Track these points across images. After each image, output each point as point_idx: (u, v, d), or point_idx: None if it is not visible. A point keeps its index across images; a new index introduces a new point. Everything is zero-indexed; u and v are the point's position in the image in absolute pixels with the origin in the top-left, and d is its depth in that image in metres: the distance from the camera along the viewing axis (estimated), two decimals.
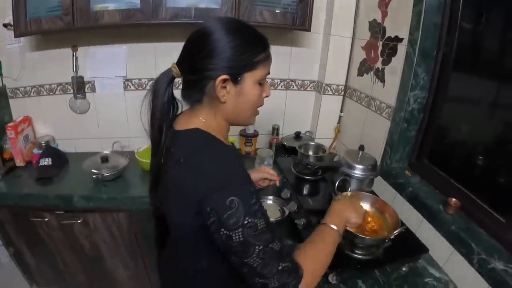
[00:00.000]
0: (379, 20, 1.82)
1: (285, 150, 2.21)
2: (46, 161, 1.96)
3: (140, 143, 2.01)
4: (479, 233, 1.28)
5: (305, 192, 1.70)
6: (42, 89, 2.09)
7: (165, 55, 1.93)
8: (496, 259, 1.14)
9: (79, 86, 2.08)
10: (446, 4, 1.47)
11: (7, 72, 2.03)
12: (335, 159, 1.60)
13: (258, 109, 1.00)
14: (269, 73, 0.95)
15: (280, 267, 0.81)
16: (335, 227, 1.04)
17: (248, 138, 2.24)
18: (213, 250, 0.87)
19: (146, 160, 1.85)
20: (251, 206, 0.79)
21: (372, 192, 1.57)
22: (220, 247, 0.83)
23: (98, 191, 1.81)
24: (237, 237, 0.78)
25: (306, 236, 1.36)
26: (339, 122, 2.34)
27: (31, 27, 1.69)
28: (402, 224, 1.34)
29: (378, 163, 1.76)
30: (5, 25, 1.83)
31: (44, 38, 1.95)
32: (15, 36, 1.75)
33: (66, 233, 1.89)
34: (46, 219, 1.81)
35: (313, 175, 1.75)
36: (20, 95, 2.09)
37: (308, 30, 1.89)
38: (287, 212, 1.59)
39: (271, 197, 1.72)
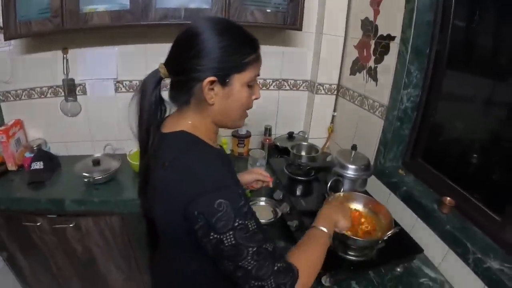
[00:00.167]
0: (371, 18, 1.81)
1: (278, 151, 2.19)
2: (38, 165, 1.94)
3: (132, 145, 1.97)
4: (474, 232, 1.27)
5: (298, 193, 1.69)
6: (33, 92, 2.07)
7: (156, 56, 1.83)
8: (492, 258, 1.14)
9: (70, 89, 2.06)
10: (438, 1, 1.46)
11: None
12: (328, 159, 1.58)
13: (248, 111, 0.99)
14: (258, 75, 0.93)
15: (275, 268, 0.79)
16: (325, 230, 1.02)
17: (241, 139, 2.22)
18: (203, 252, 0.85)
19: (137, 163, 1.78)
20: (240, 208, 0.78)
21: (366, 192, 1.56)
22: (210, 253, 0.81)
23: (90, 194, 1.79)
24: (228, 240, 0.76)
25: (298, 237, 1.34)
26: (332, 121, 2.33)
27: (21, 30, 1.67)
28: (396, 224, 1.33)
29: (372, 163, 1.75)
30: None
31: (34, 41, 1.94)
32: (5, 39, 1.73)
33: (59, 237, 1.87)
34: (38, 223, 1.80)
35: (306, 176, 1.73)
36: (11, 98, 2.07)
37: (300, 29, 1.88)
38: (279, 214, 1.58)
39: (263, 199, 1.71)
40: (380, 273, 1.28)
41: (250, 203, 1.67)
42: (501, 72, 1.31)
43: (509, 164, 1.27)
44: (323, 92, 2.24)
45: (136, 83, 2.11)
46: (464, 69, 1.49)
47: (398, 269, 1.30)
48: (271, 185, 1.40)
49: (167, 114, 1.00)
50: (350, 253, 1.26)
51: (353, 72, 2.05)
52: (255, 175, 1.38)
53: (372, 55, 1.82)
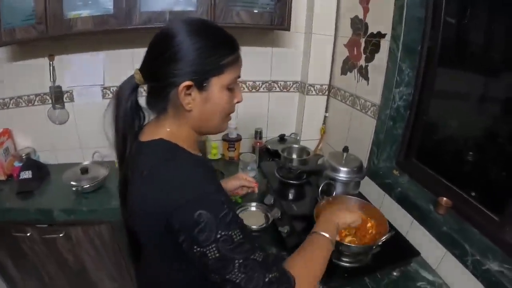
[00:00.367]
0: (361, 16, 1.78)
1: (270, 154, 2.15)
2: (27, 174, 1.92)
3: None
4: (472, 233, 1.25)
5: (290, 197, 1.64)
6: (21, 100, 2.03)
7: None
8: (491, 259, 1.11)
9: (57, 96, 2.04)
10: None
11: None
12: (319, 162, 1.54)
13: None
14: (239, 77, 0.89)
15: (267, 279, 0.75)
16: (325, 234, 0.98)
17: (231, 142, 2.19)
18: (189, 264, 0.81)
19: None
20: (222, 218, 0.73)
21: (359, 194, 1.53)
22: (197, 265, 0.76)
23: (79, 203, 1.77)
24: (212, 253, 0.72)
25: (290, 243, 1.32)
26: (324, 122, 2.30)
27: (5, 38, 1.64)
28: (392, 227, 1.29)
29: (365, 163, 1.73)
30: None
31: (20, 48, 1.91)
32: None
33: (49, 247, 1.85)
34: (28, 234, 1.78)
35: (297, 179, 1.68)
36: None
37: (288, 29, 1.85)
38: (271, 219, 1.53)
39: (254, 204, 1.67)
40: (376, 278, 1.24)
41: (241, 208, 1.64)
42: (494, 68, 1.29)
43: (506, 161, 1.25)
44: (314, 93, 2.21)
45: None
46: (457, 66, 1.46)
47: (395, 273, 1.27)
48: (256, 190, 1.37)
49: (146, 121, 0.96)
50: (343, 259, 1.22)
51: (344, 71, 2.02)
52: (240, 181, 1.35)
53: (362, 53, 1.80)
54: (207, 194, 0.75)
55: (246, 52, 1.91)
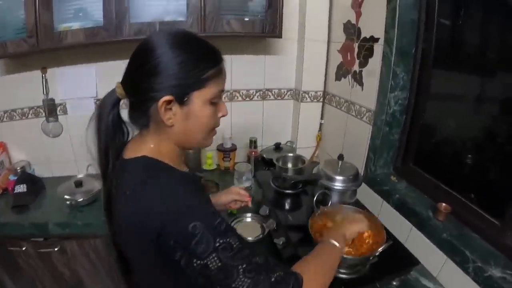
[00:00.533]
0: (354, 21, 1.77)
1: (265, 163, 2.13)
2: (21, 188, 1.91)
3: None
4: (472, 239, 1.22)
5: (285, 207, 1.61)
6: (15, 114, 2.03)
7: None
8: (493, 265, 1.08)
9: (51, 109, 2.04)
10: None
11: None
12: (314, 171, 1.51)
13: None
14: (223, 91, 0.87)
15: (273, 279, 0.73)
16: (336, 243, 0.97)
17: (226, 152, 2.17)
18: (179, 274, 0.76)
19: None
20: (217, 226, 0.71)
21: (357, 202, 1.51)
22: (200, 281, 0.73)
23: (74, 217, 1.76)
24: (213, 264, 0.69)
25: (286, 255, 1.29)
26: (320, 129, 2.28)
27: None
28: (390, 235, 1.27)
29: (362, 170, 1.71)
30: None
31: (13, 62, 1.91)
32: None
33: (45, 261, 1.84)
34: (23, 248, 1.77)
35: (293, 189, 1.65)
36: None
37: (279, 36, 1.84)
38: (267, 230, 1.50)
39: (249, 215, 1.64)
40: None
41: (236, 220, 1.62)
42: (490, 69, 1.28)
43: (505, 164, 1.23)
44: (308, 99, 2.20)
45: None
46: (452, 68, 1.45)
47: (394, 283, 1.23)
48: (249, 204, 1.34)
49: (130, 136, 0.93)
50: (341, 270, 1.18)
51: (338, 77, 2.00)
52: (232, 195, 1.32)
53: (356, 58, 1.78)
54: (196, 206, 0.73)
55: (239, 61, 1.95)
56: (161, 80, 0.76)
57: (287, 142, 2.36)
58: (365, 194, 1.67)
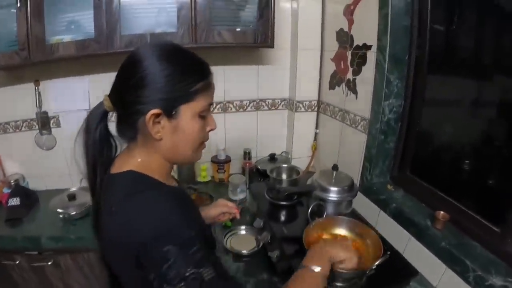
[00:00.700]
0: (346, 29, 1.77)
1: (260, 174, 2.12)
2: (15, 201, 1.91)
3: None
4: (472, 247, 1.20)
5: (281, 219, 1.58)
6: (8, 126, 2.03)
7: None
8: (494, 274, 1.06)
9: (44, 122, 2.04)
10: (414, 4, 1.43)
11: None
12: (309, 182, 1.48)
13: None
14: (211, 104, 0.85)
15: None
16: (316, 269, 0.91)
17: (220, 164, 2.15)
18: None
19: None
20: (192, 254, 0.68)
21: (353, 212, 1.48)
22: None
23: (67, 231, 1.76)
24: None
25: (281, 268, 1.25)
26: (315, 139, 2.27)
27: None
28: (387, 246, 1.24)
29: (358, 179, 1.68)
30: None
31: (6, 74, 1.92)
32: None
33: (39, 275, 1.83)
34: (17, 262, 1.76)
35: (288, 200, 1.62)
36: None
37: (272, 46, 1.83)
38: (261, 243, 1.48)
39: (243, 227, 1.62)
40: None
41: (231, 232, 1.59)
42: (485, 73, 1.28)
43: (504, 168, 1.21)
44: (303, 109, 2.19)
45: None
46: (447, 73, 1.44)
47: None
48: (238, 216, 1.31)
49: (119, 150, 0.91)
50: (337, 284, 1.14)
51: (332, 86, 2.00)
52: (220, 207, 1.30)
53: (349, 66, 1.78)
54: (175, 228, 0.71)
55: (232, 72, 1.94)
56: (148, 93, 0.75)
57: (282, 152, 2.36)
58: (362, 203, 1.64)
